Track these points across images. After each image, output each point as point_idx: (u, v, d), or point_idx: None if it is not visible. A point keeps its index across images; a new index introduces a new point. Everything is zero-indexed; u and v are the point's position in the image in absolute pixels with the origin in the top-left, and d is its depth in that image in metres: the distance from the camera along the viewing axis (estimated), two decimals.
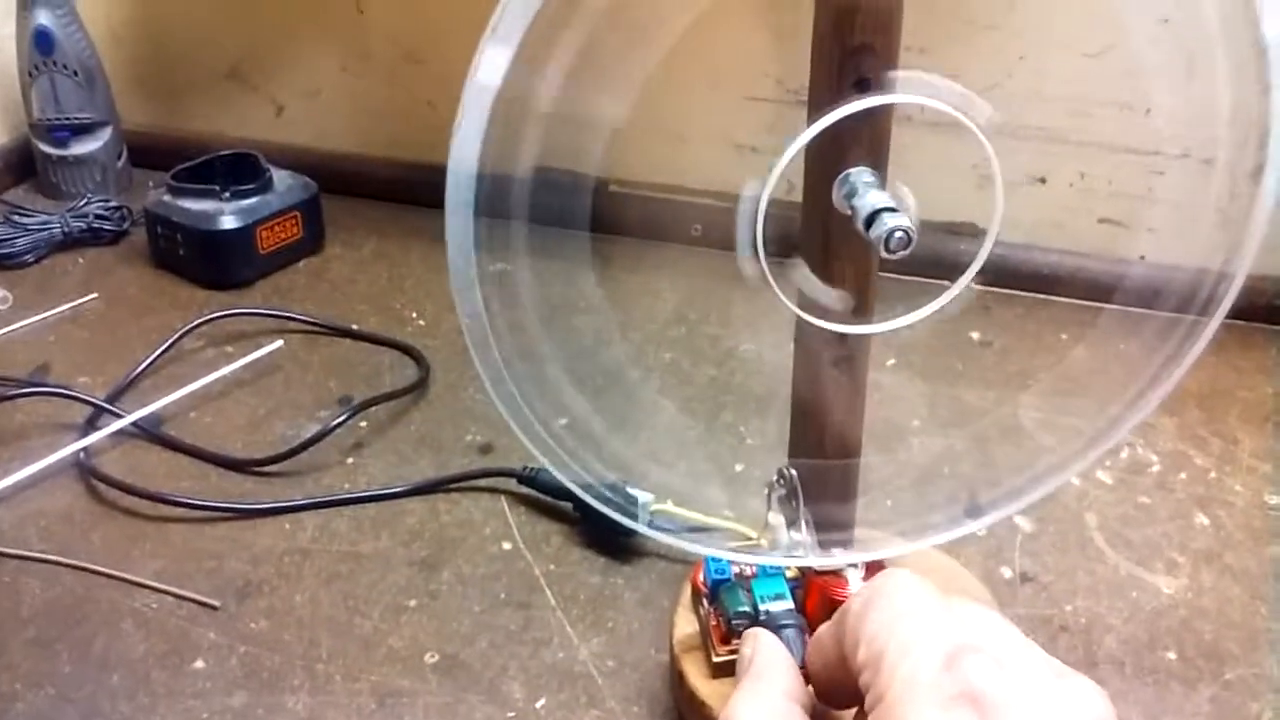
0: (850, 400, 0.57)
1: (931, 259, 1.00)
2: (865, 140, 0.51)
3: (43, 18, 1.04)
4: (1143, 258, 0.95)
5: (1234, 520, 0.73)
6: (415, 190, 1.09)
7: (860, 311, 0.55)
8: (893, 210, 0.48)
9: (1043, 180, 0.95)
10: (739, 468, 0.77)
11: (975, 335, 0.92)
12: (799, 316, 0.53)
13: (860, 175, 0.51)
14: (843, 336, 0.54)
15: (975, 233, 0.99)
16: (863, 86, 0.49)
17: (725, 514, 0.68)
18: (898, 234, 0.47)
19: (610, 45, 0.48)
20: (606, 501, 0.58)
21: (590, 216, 1.02)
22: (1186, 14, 0.87)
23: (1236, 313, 0.93)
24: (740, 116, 1.01)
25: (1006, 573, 0.69)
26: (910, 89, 0.49)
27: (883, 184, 0.52)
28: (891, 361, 0.88)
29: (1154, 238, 0.94)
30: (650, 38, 0.52)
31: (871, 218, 0.48)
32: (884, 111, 0.50)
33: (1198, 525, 0.72)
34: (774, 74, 0.99)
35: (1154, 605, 0.66)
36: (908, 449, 0.79)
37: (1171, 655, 0.63)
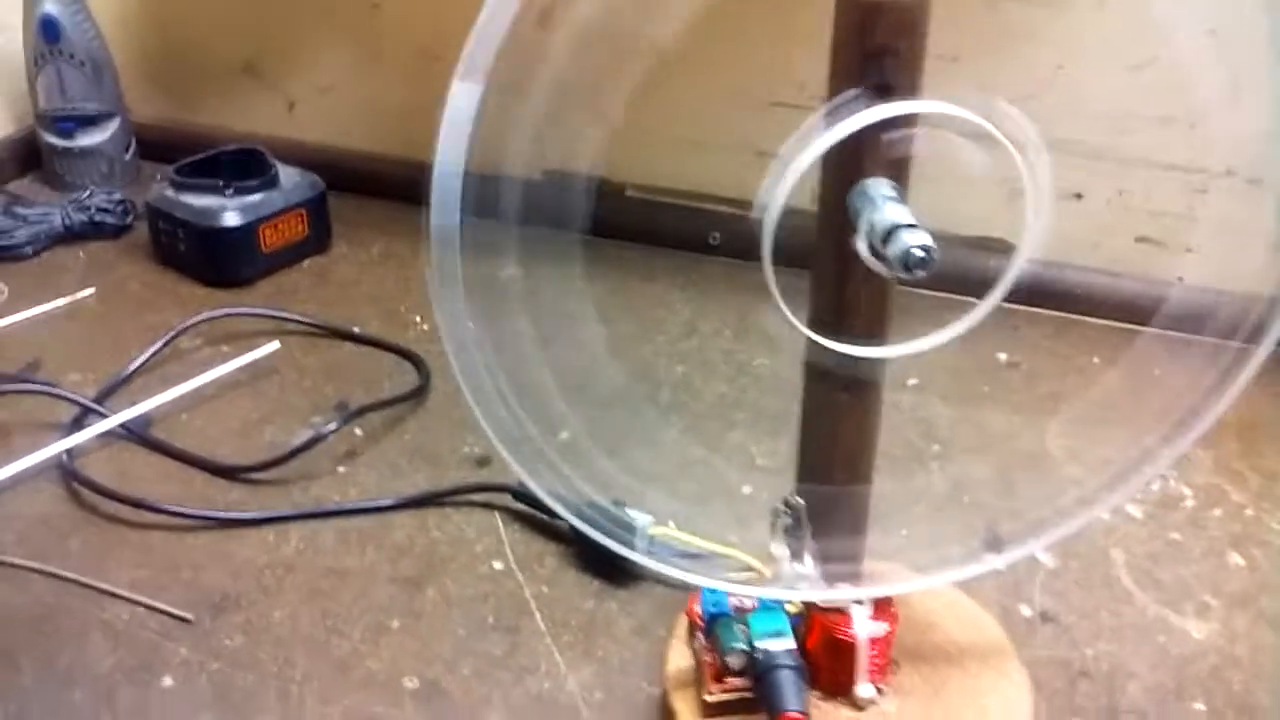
0: (861, 426, 0.54)
1: (959, 275, 0.96)
2: (885, 150, 0.47)
3: (49, 5, 1.02)
4: (1181, 279, 0.90)
5: (1271, 562, 0.68)
6: (428, 190, 1.06)
7: (875, 334, 0.51)
8: (912, 226, 0.44)
9: (1079, 196, 0.90)
10: (747, 490, 0.74)
11: (1003, 356, 0.88)
12: (808, 337, 0.49)
13: (878, 187, 0.47)
14: (855, 359, 0.50)
15: (1006, 248, 0.95)
16: (884, 92, 0.46)
17: (730, 541, 0.64)
18: (916, 252, 0.43)
19: (595, 57, 0.46)
20: (601, 527, 0.55)
21: (603, 222, 0.99)
22: (1235, 26, 0.82)
23: None
24: (763, 123, 0.97)
25: (1026, 611, 0.65)
26: (962, 108, 0.45)
27: (904, 198, 0.48)
28: (913, 381, 0.83)
29: (1194, 259, 0.89)
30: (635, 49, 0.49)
31: (889, 234, 0.44)
32: (907, 120, 0.47)
33: (1232, 565, 0.68)
34: (800, 79, 0.95)
35: (1182, 651, 0.62)
36: (926, 475, 0.75)
37: (1200, 706, 0.59)
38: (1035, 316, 0.92)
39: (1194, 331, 0.55)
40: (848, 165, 0.47)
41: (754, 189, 0.48)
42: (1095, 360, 0.88)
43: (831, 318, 0.50)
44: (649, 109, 0.98)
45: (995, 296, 0.48)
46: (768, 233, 0.45)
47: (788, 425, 0.78)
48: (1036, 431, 0.80)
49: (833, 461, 0.54)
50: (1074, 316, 0.92)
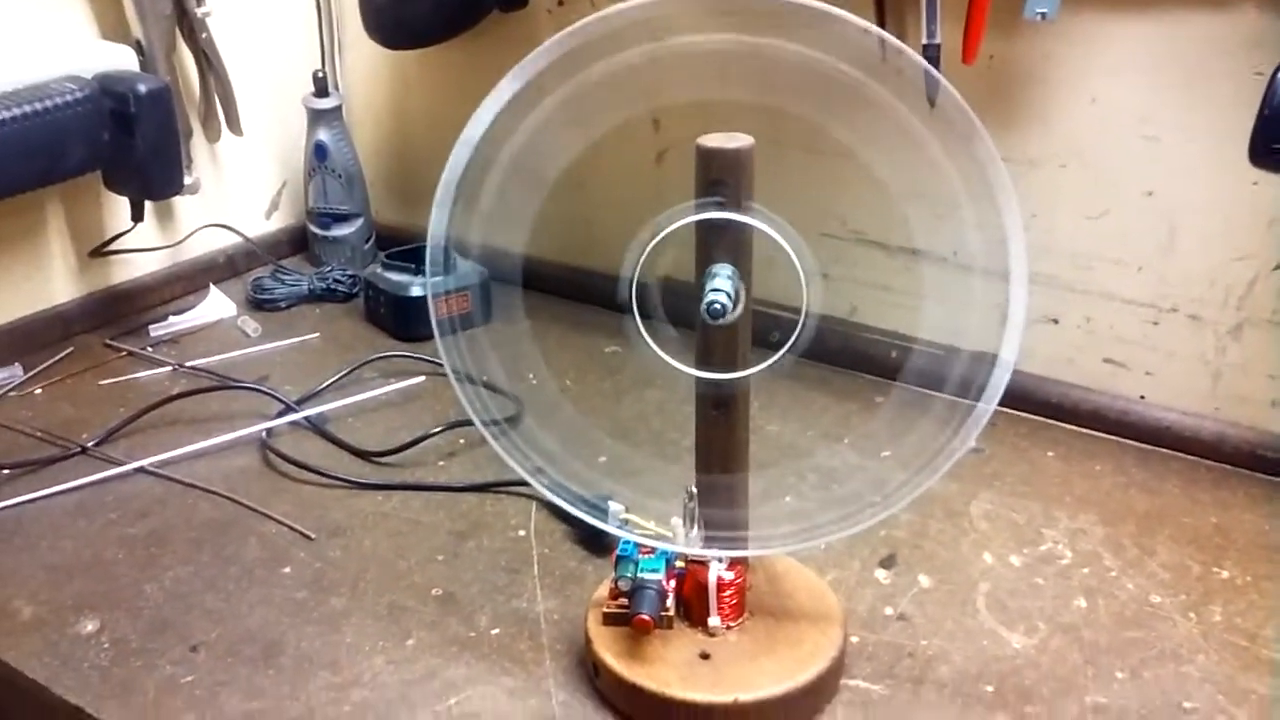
0: (730, 432, 0.77)
1: (963, 380, 1.16)
2: (725, 245, 0.72)
3: (321, 134, 1.42)
4: (1143, 397, 1.07)
5: (1110, 607, 0.85)
6: (570, 286, 1.37)
7: (729, 366, 0.75)
8: (719, 291, 0.69)
9: (1055, 321, 1.09)
10: None
11: (973, 443, 1.07)
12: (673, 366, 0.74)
13: (722, 269, 0.72)
14: (719, 384, 0.75)
15: (994, 361, 1.14)
16: (722, 207, 0.71)
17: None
18: (715, 305, 0.69)
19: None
20: (584, 505, 0.81)
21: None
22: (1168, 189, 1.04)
23: (1225, 457, 1.07)
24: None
25: (889, 611, 0.85)
26: (759, 219, 0.71)
27: (740, 278, 0.73)
28: (886, 454, 1.05)
29: (1153, 380, 1.06)
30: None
31: (707, 294, 0.70)
32: (740, 225, 0.72)
33: (1074, 606, 0.85)
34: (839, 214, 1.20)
35: (997, 653, 0.81)
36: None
37: (989, 688, 0.77)
38: (1016, 418, 1.11)
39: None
40: (703, 252, 0.73)
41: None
42: (1049, 454, 1.05)
43: (702, 355, 0.75)
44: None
45: (787, 346, 0.71)
46: (632, 293, 0.71)
47: None
48: (966, 498, 0.99)
49: (711, 457, 0.78)
50: (1049, 421, 1.10)
